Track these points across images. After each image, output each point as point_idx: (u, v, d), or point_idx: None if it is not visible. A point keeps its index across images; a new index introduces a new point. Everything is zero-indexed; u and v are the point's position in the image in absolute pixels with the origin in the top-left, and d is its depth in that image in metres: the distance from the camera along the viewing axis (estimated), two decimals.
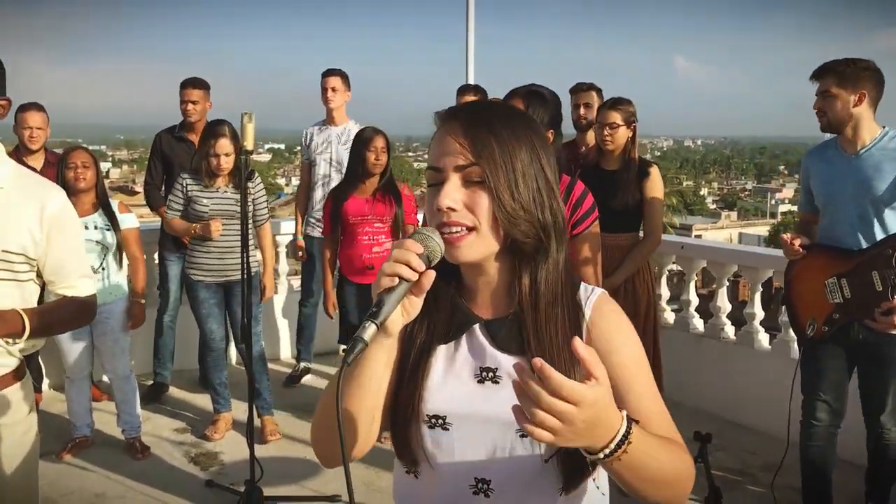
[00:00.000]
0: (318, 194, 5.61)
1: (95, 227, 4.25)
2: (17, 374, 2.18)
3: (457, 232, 1.24)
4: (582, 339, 1.25)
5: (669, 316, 5.55)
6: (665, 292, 5.63)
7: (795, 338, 4.77)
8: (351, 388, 1.26)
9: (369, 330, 1.15)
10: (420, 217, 4.94)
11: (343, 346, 6.07)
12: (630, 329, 1.36)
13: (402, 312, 1.21)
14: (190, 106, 5.28)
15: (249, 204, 4.44)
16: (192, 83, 5.33)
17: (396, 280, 1.17)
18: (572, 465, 1.27)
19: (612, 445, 1.10)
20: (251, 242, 4.53)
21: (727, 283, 5.34)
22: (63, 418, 4.67)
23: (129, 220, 4.45)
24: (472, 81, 7.14)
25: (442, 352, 1.34)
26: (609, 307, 1.36)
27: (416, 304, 1.22)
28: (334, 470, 4.54)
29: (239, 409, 4.69)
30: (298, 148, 5.82)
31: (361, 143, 4.54)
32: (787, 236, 3.40)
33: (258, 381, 4.68)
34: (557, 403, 1.02)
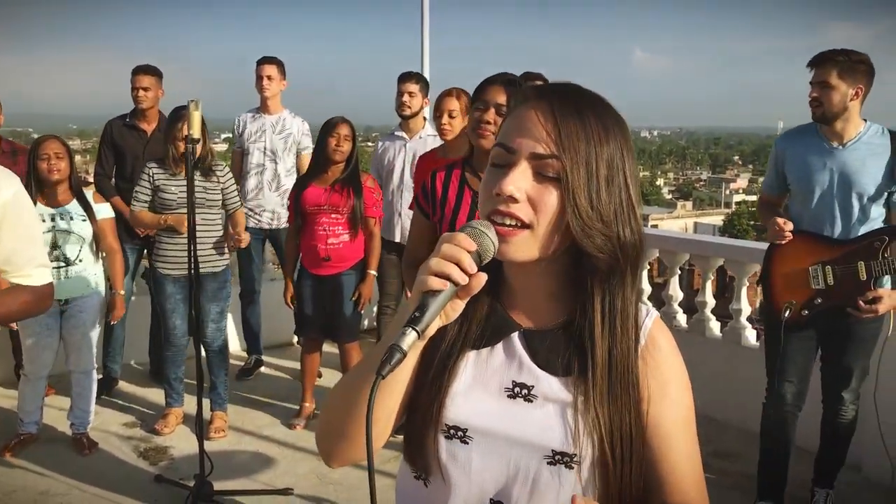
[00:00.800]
0: (252, 183, 5.53)
1: (71, 218, 4.15)
2: None
3: (511, 225, 1.10)
4: (636, 369, 1.17)
5: None
6: None
7: (746, 325, 4.85)
8: (367, 387, 1.11)
9: (409, 338, 1.02)
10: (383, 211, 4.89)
11: (297, 339, 6.02)
12: (683, 371, 1.25)
13: (441, 316, 1.08)
14: (141, 93, 5.16)
15: (220, 192, 4.42)
16: (143, 70, 5.20)
17: (445, 283, 1.04)
18: None
19: None
20: (220, 231, 4.49)
21: (679, 272, 5.38)
22: (7, 414, 4.55)
23: (104, 211, 4.36)
24: (427, 69, 7.11)
25: (472, 357, 1.21)
26: (664, 336, 1.24)
27: (458, 307, 1.10)
28: (285, 463, 4.52)
29: (190, 403, 4.61)
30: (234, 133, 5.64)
31: (325, 129, 4.50)
32: (780, 220, 3.40)
33: (216, 375, 4.61)
34: None
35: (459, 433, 1.18)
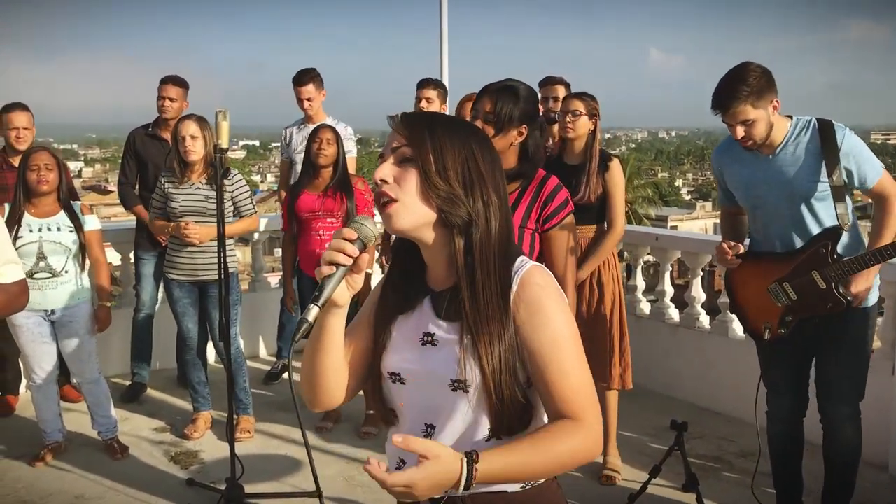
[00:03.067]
0: None
1: (59, 229, 4.17)
2: None
3: (385, 202, 1.50)
4: (504, 309, 1.50)
5: (645, 306, 5.61)
6: (640, 283, 5.68)
7: None
8: (316, 352, 1.57)
9: (312, 311, 1.42)
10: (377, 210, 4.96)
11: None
12: (555, 306, 1.52)
13: (347, 288, 1.48)
14: (167, 102, 5.24)
15: (229, 201, 4.45)
16: (171, 80, 5.30)
17: (334, 268, 1.43)
18: (502, 418, 1.51)
19: (462, 485, 1.39)
20: (231, 240, 4.53)
21: (701, 274, 5.40)
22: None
23: (91, 222, 4.35)
24: (445, 72, 7.18)
25: (400, 320, 1.61)
26: (536, 280, 1.53)
27: (358, 280, 1.49)
28: (316, 466, 4.50)
29: (219, 408, 4.67)
30: (274, 144, 5.75)
31: (310, 137, 4.66)
32: (726, 245, 3.32)
33: (234, 381, 4.67)
34: (396, 485, 1.35)
35: (398, 377, 1.60)
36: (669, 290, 5.51)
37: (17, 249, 3.95)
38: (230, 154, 4.68)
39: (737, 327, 5.07)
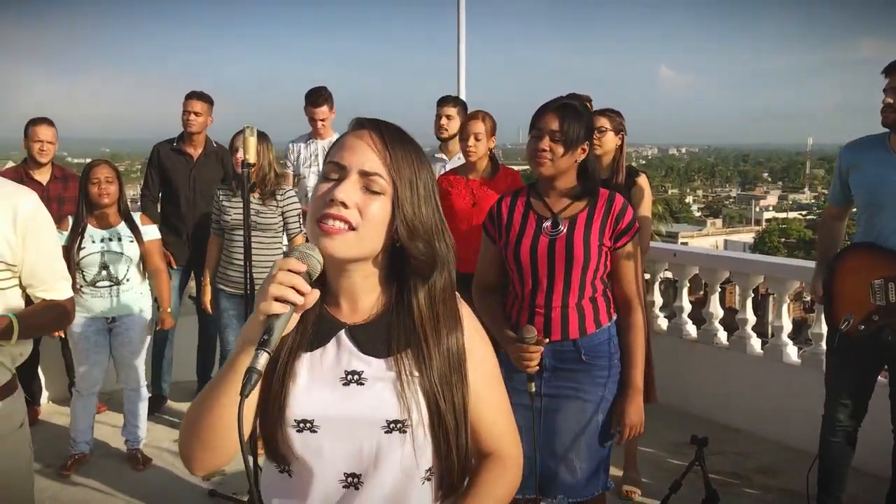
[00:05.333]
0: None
1: (119, 240, 4.29)
2: (8, 388, 2.19)
3: (338, 226, 1.32)
4: (461, 340, 1.43)
5: (662, 322, 5.62)
6: (658, 299, 5.70)
7: (787, 342, 4.87)
8: (226, 401, 1.30)
9: (262, 359, 1.18)
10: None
11: None
12: (488, 342, 1.51)
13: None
14: (192, 116, 5.31)
15: (279, 217, 4.54)
16: (197, 95, 5.37)
17: (286, 307, 1.22)
18: (449, 457, 1.41)
19: None
20: (278, 253, 4.61)
21: (719, 290, 5.41)
22: (64, 430, 4.68)
23: (151, 232, 4.50)
24: (462, 89, 7.23)
25: (306, 358, 1.39)
26: (471, 317, 1.49)
27: (294, 320, 1.28)
28: None
29: None
30: (286, 159, 5.76)
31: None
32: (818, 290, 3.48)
33: None
34: None
35: (307, 425, 1.36)
36: (687, 305, 5.52)
37: (80, 260, 4.17)
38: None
39: (755, 343, 5.08)
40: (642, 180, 4.07)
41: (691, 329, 5.46)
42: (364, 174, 1.34)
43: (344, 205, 1.31)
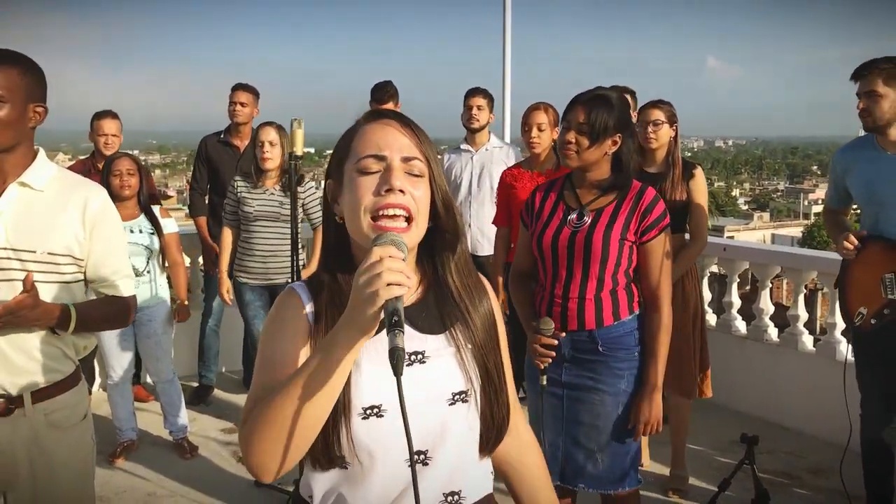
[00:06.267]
0: None
1: (140, 231, 4.33)
2: (72, 380, 2.22)
3: (399, 224, 1.32)
4: (493, 311, 1.52)
5: (711, 318, 5.53)
6: (706, 294, 5.61)
7: (840, 340, 4.76)
8: (326, 394, 1.26)
9: (401, 338, 1.17)
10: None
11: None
12: (498, 311, 1.57)
13: None
14: (238, 107, 5.36)
15: (300, 206, 4.52)
16: (242, 87, 5.42)
17: (403, 288, 1.20)
18: (492, 426, 1.48)
19: None
20: (299, 244, 4.63)
21: (770, 286, 5.31)
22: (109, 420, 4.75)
23: (170, 225, 4.53)
24: (508, 81, 7.20)
25: (365, 346, 1.32)
26: (488, 288, 1.57)
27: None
28: None
29: None
30: (328, 152, 5.81)
31: None
32: (852, 238, 3.28)
33: None
34: None
35: (375, 411, 1.37)
36: (737, 301, 5.42)
37: None
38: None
39: (807, 340, 4.98)
40: (699, 173, 4.00)
41: (741, 325, 5.36)
42: (406, 160, 1.36)
43: (402, 192, 1.33)
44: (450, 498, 1.45)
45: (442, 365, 1.42)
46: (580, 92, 2.69)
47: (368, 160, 1.35)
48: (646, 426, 2.68)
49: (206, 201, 5.55)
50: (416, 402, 1.34)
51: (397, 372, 1.16)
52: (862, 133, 3.36)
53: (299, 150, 3.53)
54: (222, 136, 5.51)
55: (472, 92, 5.33)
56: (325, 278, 1.43)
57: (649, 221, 2.63)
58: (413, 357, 1.40)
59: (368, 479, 1.39)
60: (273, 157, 4.48)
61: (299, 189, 4.50)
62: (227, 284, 4.69)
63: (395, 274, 1.19)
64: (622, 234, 2.62)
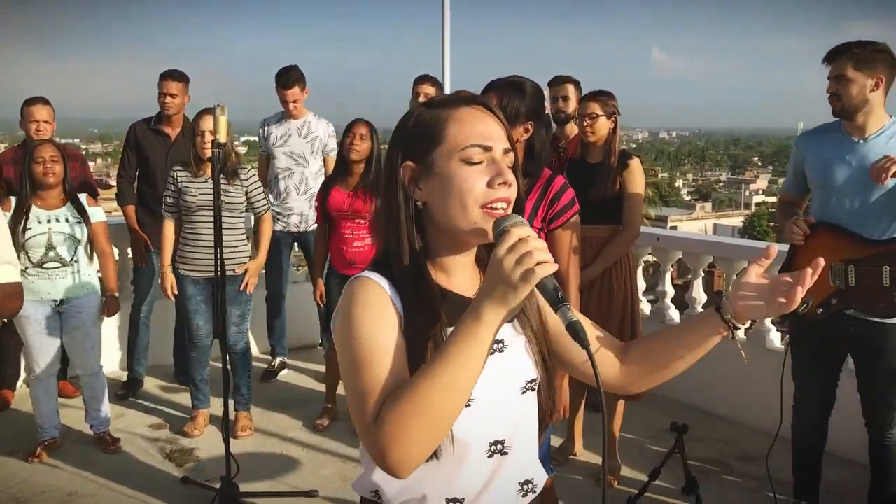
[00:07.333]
0: (279, 187, 5.55)
1: (66, 220, 4.19)
2: None
3: (505, 207, 1.33)
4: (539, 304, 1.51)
5: (645, 307, 5.56)
6: (641, 284, 5.64)
7: (770, 328, 4.82)
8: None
9: (573, 312, 1.23)
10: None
11: (321, 341, 6.03)
12: None
13: None
14: (168, 99, 5.19)
15: (243, 196, 4.47)
16: (170, 75, 5.24)
17: (554, 265, 1.22)
18: (545, 409, 1.51)
19: None
20: (243, 234, 4.58)
21: (702, 274, 5.36)
22: (31, 416, 4.60)
23: (97, 214, 4.39)
24: (447, 69, 7.13)
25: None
26: None
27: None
28: (310, 465, 4.53)
29: (215, 406, 4.63)
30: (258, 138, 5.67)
31: (345, 131, 4.55)
32: (800, 222, 3.27)
33: (240, 376, 4.64)
34: None
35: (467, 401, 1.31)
36: (670, 290, 5.47)
37: (26, 241, 4.06)
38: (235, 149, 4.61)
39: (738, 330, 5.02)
40: (635, 163, 4.02)
41: (674, 314, 5.41)
42: (506, 151, 1.36)
43: (507, 184, 1.33)
44: (525, 486, 1.46)
45: (516, 353, 1.42)
46: (495, 78, 2.67)
47: (474, 150, 1.33)
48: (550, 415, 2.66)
49: (135, 189, 5.39)
50: (498, 391, 1.37)
51: (586, 345, 1.18)
52: (802, 126, 3.36)
53: (223, 137, 3.44)
54: (152, 122, 5.35)
55: (421, 79, 5.28)
56: (406, 264, 1.36)
57: (557, 209, 2.63)
58: (495, 346, 1.38)
59: (454, 472, 1.37)
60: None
61: (242, 177, 4.44)
62: (170, 279, 4.53)
63: (544, 252, 1.20)
64: (529, 220, 2.60)
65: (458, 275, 1.43)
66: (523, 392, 1.43)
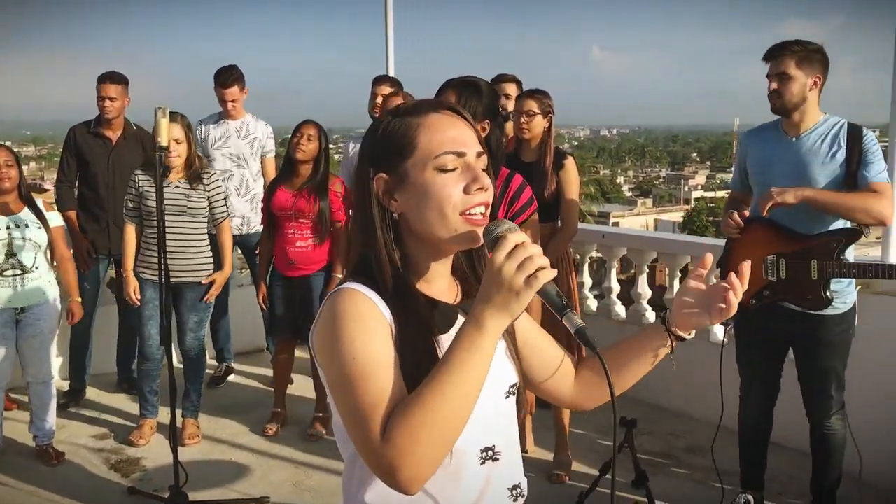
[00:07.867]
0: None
1: (27, 226, 4.10)
2: None
3: (484, 214, 1.31)
4: None
5: (592, 303, 5.63)
6: (587, 280, 5.71)
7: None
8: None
9: (578, 317, 1.22)
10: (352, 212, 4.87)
11: (267, 345, 5.96)
12: None
13: None
14: (107, 102, 5.05)
15: (205, 201, 4.39)
16: (109, 78, 5.08)
17: (554, 271, 1.20)
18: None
19: None
20: (205, 240, 4.48)
21: (647, 270, 5.44)
22: None
23: (54, 219, 4.32)
24: (391, 69, 7.10)
25: (444, 341, 1.32)
26: None
27: None
28: (260, 471, 4.47)
29: (162, 413, 4.54)
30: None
31: (293, 130, 4.52)
32: (736, 216, 3.34)
33: (192, 382, 4.56)
34: None
35: None
36: (616, 286, 5.54)
37: None
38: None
39: None
40: (570, 163, 4.06)
41: (620, 310, 5.48)
42: (479, 154, 1.34)
43: (487, 189, 1.32)
44: (514, 491, 1.45)
45: (499, 358, 1.38)
46: (451, 77, 2.67)
47: (448, 157, 1.31)
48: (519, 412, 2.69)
49: (76, 194, 5.25)
50: (486, 397, 1.30)
51: (595, 348, 1.22)
52: (738, 123, 3.45)
53: (164, 140, 3.38)
54: (92, 126, 5.21)
55: (379, 80, 5.25)
56: (391, 276, 1.32)
57: (517, 207, 2.66)
58: None
59: (453, 483, 1.35)
60: (180, 154, 4.27)
61: (205, 182, 4.38)
62: (133, 283, 4.41)
63: (543, 258, 1.19)
64: None
65: (437, 282, 1.40)
66: (507, 397, 1.43)
